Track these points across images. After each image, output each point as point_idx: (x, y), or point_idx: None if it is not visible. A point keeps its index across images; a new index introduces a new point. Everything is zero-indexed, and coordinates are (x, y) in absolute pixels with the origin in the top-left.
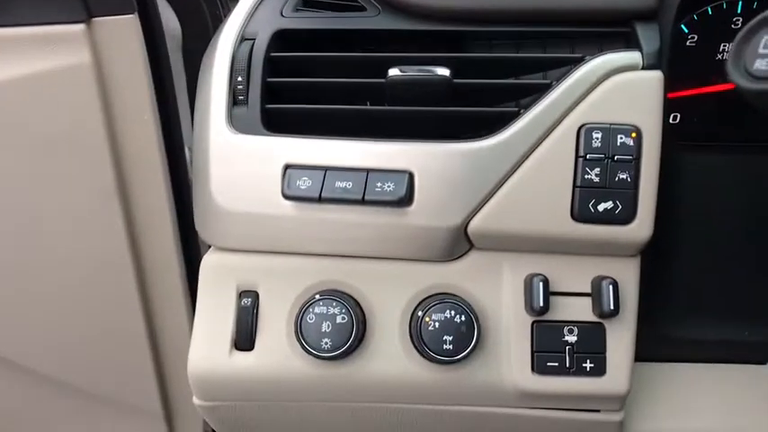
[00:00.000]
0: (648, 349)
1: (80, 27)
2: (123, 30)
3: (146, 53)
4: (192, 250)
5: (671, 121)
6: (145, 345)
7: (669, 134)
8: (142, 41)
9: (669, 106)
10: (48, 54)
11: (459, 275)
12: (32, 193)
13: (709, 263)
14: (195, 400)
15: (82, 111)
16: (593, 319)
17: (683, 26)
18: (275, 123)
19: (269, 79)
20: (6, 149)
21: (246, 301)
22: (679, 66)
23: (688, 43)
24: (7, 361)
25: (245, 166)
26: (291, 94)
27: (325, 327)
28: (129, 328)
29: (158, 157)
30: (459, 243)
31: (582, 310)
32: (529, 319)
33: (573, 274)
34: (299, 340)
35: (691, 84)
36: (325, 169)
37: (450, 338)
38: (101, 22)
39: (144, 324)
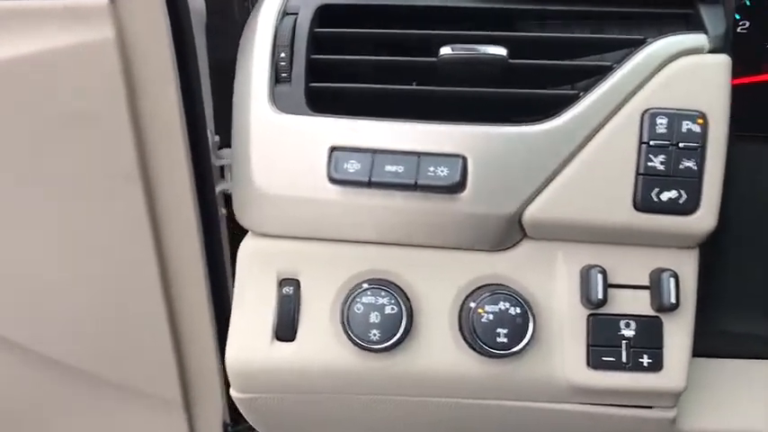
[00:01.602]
0: (703, 344)
1: (104, 2)
2: (148, 5)
3: (170, 29)
4: (213, 235)
5: None
6: (165, 332)
7: None
8: (167, 17)
9: None
10: (70, 29)
11: (511, 266)
12: (51, 174)
13: (766, 256)
14: (233, 392)
15: (104, 88)
16: (651, 312)
17: (735, 13)
18: (319, 103)
19: (313, 56)
20: (27, 127)
21: (288, 290)
22: (732, 53)
23: (739, 30)
24: (25, 348)
25: (288, 147)
26: (335, 72)
27: (374, 317)
28: (149, 315)
29: (181, 138)
30: (512, 232)
31: (639, 304)
32: (585, 312)
33: (630, 266)
34: (345, 331)
35: (743, 72)
36: (374, 152)
37: (505, 331)
38: None
39: (165, 311)
